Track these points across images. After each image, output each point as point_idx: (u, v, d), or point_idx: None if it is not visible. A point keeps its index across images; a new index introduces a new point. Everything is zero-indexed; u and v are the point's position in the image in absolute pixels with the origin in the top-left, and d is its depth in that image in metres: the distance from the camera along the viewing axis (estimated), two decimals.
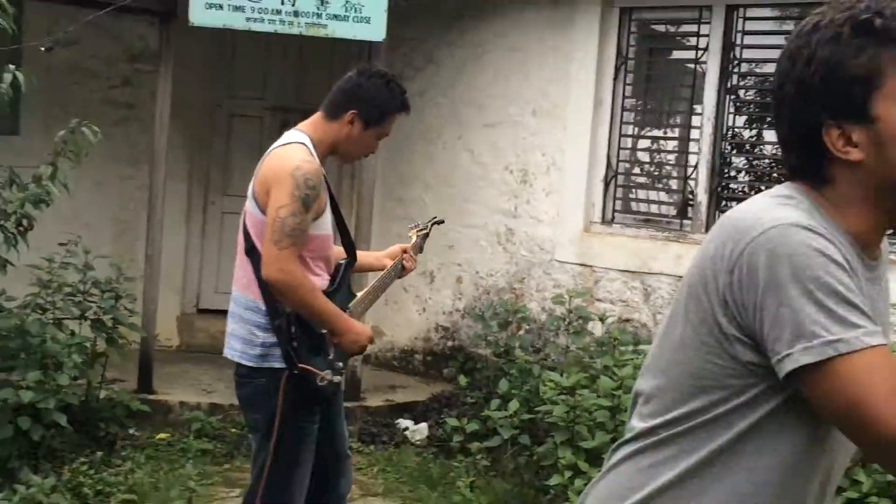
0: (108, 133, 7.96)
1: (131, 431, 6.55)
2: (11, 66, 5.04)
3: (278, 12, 6.71)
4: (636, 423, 1.79)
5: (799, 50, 1.66)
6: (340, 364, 3.99)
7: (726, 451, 1.68)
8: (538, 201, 7.52)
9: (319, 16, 6.77)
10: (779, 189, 1.73)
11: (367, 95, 3.94)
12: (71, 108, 7.48)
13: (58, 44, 6.73)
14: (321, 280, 3.93)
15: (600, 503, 1.83)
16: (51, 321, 5.90)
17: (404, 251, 4.31)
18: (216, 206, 8.67)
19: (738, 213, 1.67)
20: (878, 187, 1.66)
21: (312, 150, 3.89)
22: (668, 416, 1.72)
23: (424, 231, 4.67)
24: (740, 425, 1.66)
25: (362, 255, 4.42)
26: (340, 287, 4.02)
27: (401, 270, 4.33)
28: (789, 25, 6.73)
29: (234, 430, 6.86)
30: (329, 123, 3.96)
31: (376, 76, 4.03)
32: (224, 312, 8.41)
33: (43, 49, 6.38)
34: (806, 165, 1.71)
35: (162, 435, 6.64)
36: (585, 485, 5.48)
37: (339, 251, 4.23)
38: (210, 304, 8.70)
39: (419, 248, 4.52)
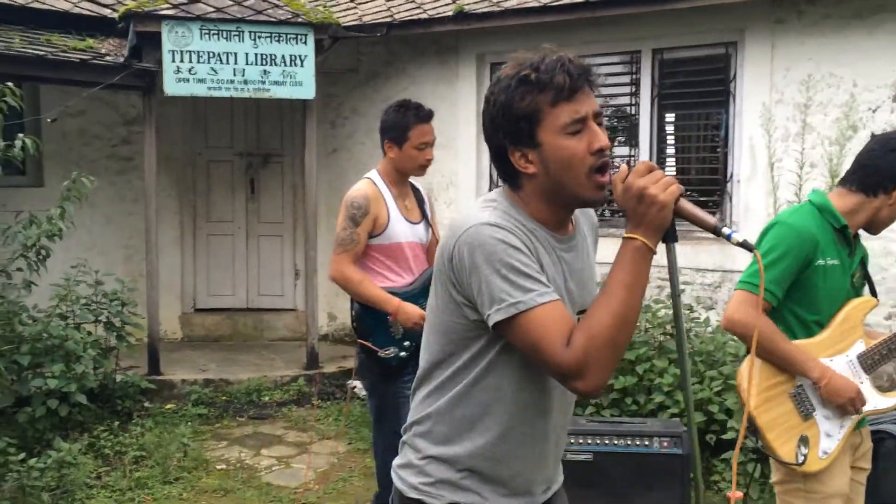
0: (113, 181, 7.96)
1: (146, 405, 6.50)
2: (20, 135, 4.99)
3: (232, 81, 6.70)
4: (424, 363, 1.89)
5: (490, 95, 1.78)
6: (408, 343, 3.79)
7: (475, 381, 1.79)
8: (441, 211, 7.55)
9: (263, 83, 6.77)
10: (489, 194, 1.85)
11: (388, 124, 3.88)
12: (83, 164, 7.41)
13: (63, 114, 6.65)
14: (401, 280, 3.86)
15: (404, 428, 1.94)
16: (71, 326, 5.84)
17: None
18: (202, 230, 8.58)
19: (456, 217, 1.80)
20: (549, 190, 1.77)
21: (378, 181, 3.89)
22: (439, 359, 1.83)
23: None
24: (480, 364, 1.78)
25: None
26: (420, 287, 3.85)
27: None
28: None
29: (223, 398, 6.84)
30: (384, 157, 3.93)
31: (392, 106, 3.93)
32: (216, 311, 8.50)
33: (49, 120, 6.31)
34: (506, 176, 1.82)
35: (169, 405, 6.61)
36: None
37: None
38: (204, 304, 8.63)
39: None
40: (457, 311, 1.76)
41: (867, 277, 2.92)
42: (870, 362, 2.75)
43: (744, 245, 1.65)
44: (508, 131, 1.74)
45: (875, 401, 2.75)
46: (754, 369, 2.66)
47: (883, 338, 2.78)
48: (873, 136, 2.86)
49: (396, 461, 1.94)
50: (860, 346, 2.75)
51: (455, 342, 1.79)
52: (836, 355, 2.72)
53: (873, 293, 2.93)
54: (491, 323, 1.67)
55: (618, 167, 1.73)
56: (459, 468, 1.81)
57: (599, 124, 1.75)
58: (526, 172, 1.76)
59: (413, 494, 1.85)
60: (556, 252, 1.80)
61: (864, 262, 2.89)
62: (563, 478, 2.02)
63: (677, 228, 1.73)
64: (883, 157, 2.70)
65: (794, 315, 2.72)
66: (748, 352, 2.76)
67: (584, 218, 1.95)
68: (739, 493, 1.88)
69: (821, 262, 2.66)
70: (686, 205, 1.67)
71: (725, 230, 1.65)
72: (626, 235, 1.68)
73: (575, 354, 1.61)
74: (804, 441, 2.64)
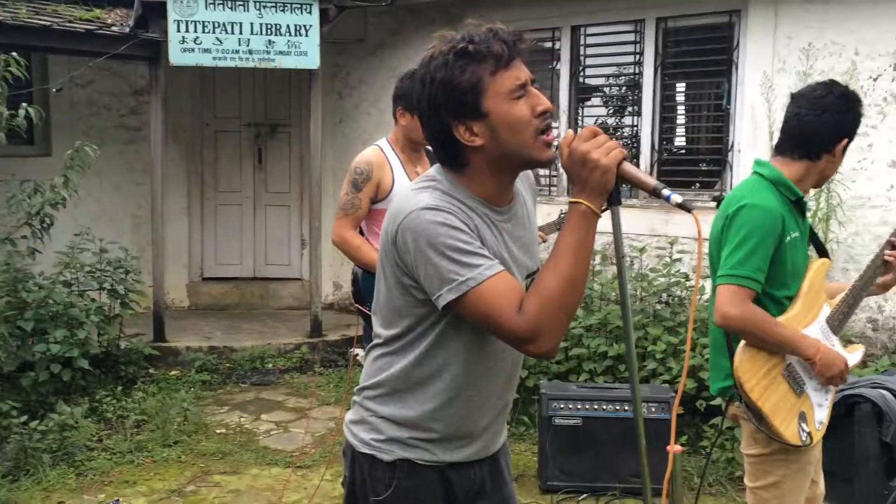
0: (122, 150, 8.04)
1: (150, 371, 6.60)
2: (24, 105, 5.05)
3: (237, 51, 6.72)
4: (378, 332, 1.93)
5: (424, 76, 1.77)
6: None
7: (425, 353, 1.86)
8: None
9: (268, 52, 6.79)
10: (428, 173, 1.87)
11: (401, 91, 3.84)
12: (91, 134, 7.47)
13: (71, 84, 6.68)
14: None
15: (357, 389, 2.00)
16: (75, 293, 5.93)
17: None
18: (211, 201, 8.65)
19: (396, 201, 1.81)
20: (497, 160, 1.79)
21: (385, 148, 3.89)
22: (391, 333, 1.89)
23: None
24: (430, 336, 1.84)
25: None
26: None
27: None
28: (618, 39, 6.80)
29: (227, 365, 6.93)
30: (396, 125, 3.92)
31: (407, 74, 3.88)
32: (223, 279, 8.59)
33: (55, 90, 6.37)
34: (450, 157, 1.82)
35: (173, 372, 6.71)
36: None
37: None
38: (212, 273, 8.73)
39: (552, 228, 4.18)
40: (405, 291, 1.81)
41: (814, 237, 2.89)
42: (836, 323, 2.73)
43: (683, 206, 1.68)
44: (452, 107, 1.74)
45: (848, 359, 2.73)
46: (749, 361, 2.60)
47: (840, 297, 2.76)
48: (792, 96, 2.76)
49: (349, 416, 2.00)
50: (826, 310, 2.73)
51: (405, 318, 1.84)
52: (810, 325, 2.69)
53: (822, 251, 2.90)
54: (443, 303, 1.71)
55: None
56: (409, 428, 1.88)
57: (536, 89, 1.78)
58: (472, 146, 1.77)
59: (365, 450, 1.91)
60: (496, 225, 1.84)
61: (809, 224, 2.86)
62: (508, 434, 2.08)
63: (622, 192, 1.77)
64: (818, 120, 2.63)
65: (767, 296, 2.64)
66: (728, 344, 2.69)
67: (522, 178, 1.96)
68: (679, 447, 1.91)
69: (788, 237, 2.62)
70: (628, 168, 1.72)
71: (665, 192, 1.69)
72: (571, 200, 1.72)
73: (528, 320, 1.66)
74: (803, 418, 2.63)
